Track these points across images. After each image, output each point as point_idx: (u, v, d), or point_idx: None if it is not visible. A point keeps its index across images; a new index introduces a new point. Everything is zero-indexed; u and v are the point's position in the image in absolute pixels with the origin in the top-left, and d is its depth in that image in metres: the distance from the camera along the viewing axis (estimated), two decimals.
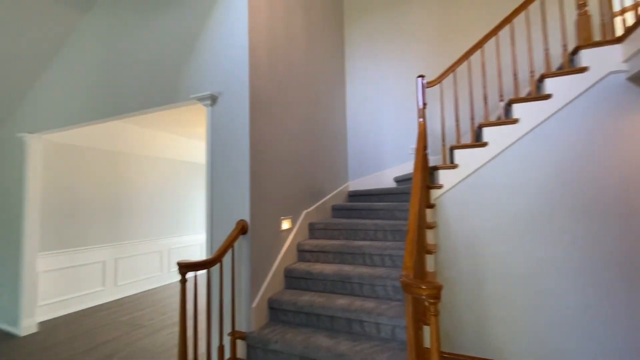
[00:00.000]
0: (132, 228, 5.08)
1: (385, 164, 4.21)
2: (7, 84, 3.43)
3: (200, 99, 2.41)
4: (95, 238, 4.55)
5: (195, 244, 6.26)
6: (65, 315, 4.04)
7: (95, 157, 4.63)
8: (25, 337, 3.44)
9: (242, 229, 2.18)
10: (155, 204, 5.51)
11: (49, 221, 4.01)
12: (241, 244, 2.23)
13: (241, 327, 2.19)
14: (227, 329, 2.20)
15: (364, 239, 2.86)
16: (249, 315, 2.18)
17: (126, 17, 2.99)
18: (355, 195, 3.88)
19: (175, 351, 3.05)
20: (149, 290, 5.18)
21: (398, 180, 3.90)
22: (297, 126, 2.93)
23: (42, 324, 3.74)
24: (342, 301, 2.23)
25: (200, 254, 6.34)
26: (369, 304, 2.15)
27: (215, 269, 2.26)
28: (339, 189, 3.90)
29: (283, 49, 2.78)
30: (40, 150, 3.70)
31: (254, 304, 2.20)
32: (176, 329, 3.58)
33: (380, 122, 4.26)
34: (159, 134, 5.08)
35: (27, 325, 3.51)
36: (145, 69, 2.82)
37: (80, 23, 3.31)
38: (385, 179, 4.22)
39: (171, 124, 4.56)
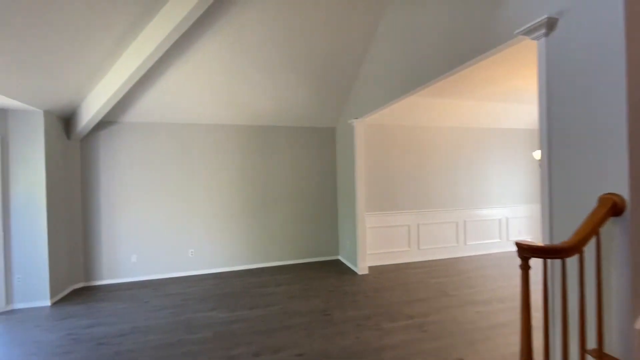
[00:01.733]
0: (430, 197, 5.32)
1: None
2: (339, 85, 4.45)
3: (529, 32, 1.82)
4: (401, 204, 5.16)
5: (492, 219, 5.66)
6: (383, 266, 4.92)
7: (398, 132, 5.18)
8: (361, 275, 4.48)
9: (613, 207, 1.43)
10: (450, 175, 5.45)
11: (370, 187, 4.97)
12: (611, 230, 1.49)
13: (610, 348, 1.49)
14: (589, 343, 1.58)
15: None
16: (628, 338, 1.43)
17: None
18: None
19: (490, 333, 2.77)
20: (447, 258, 5.27)
21: None
22: None
23: (370, 268, 4.74)
24: None
25: (499, 232, 5.69)
26: None
27: (572, 260, 1.66)
28: None
29: None
30: (362, 132, 4.58)
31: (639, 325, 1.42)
32: (486, 308, 3.30)
33: None
34: (452, 102, 4.86)
35: (361, 267, 4.56)
36: (445, 26, 2.57)
37: (380, 21, 3.62)
38: None
39: (467, 87, 4.18)
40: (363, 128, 4.58)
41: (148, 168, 4.61)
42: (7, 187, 3.59)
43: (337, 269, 4.81)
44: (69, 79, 3.38)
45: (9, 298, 3.58)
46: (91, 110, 3.89)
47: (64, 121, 4.15)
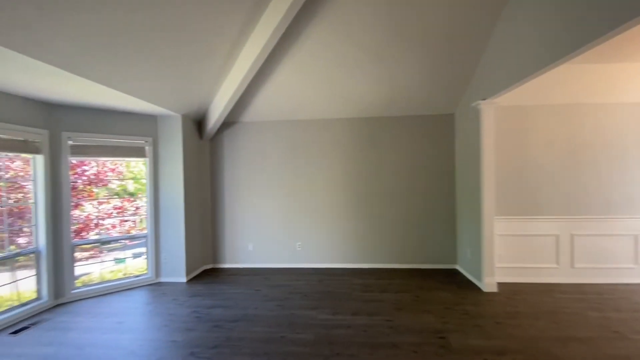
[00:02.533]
0: (591, 199, 3.98)
1: None
2: (461, 60, 3.70)
3: None
4: (546, 207, 4.01)
5: None
6: (519, 284, 3.91)
7: (541, 115, 4.04)
8: (487, 293, 3.66)
9: None
10: (622, 170, 3.95)
11: (501, 186, 4.02)
12: None
13: None
14: None
15: None
16: None
17: None
18: None
19: None
20: (618, 284, 3.85)
21: None
22: None
23: (500, 285, 3.83)
24: None
25: None
26: None
27: None
28: None
29: None
30: (491, 116, 3.72)
31: None
32: None
33: None
34: (627, 67, 3.47)
35: (488, 283, 3.73)
36: None
37: None
38: None
39: None
40: (492, 111, 3.72)
41: (262, 164, 4.90)
42: (157, 181, 4.34)
43: (454, 281, 4.10)
44: (197, 86, 3.79)
45: (158, 272, 4.34)
46: (216, 112, 4.33)
47: (197, 123, 4.77)
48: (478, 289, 3.78)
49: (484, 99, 3.62)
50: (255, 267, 4.89)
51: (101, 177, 5.70)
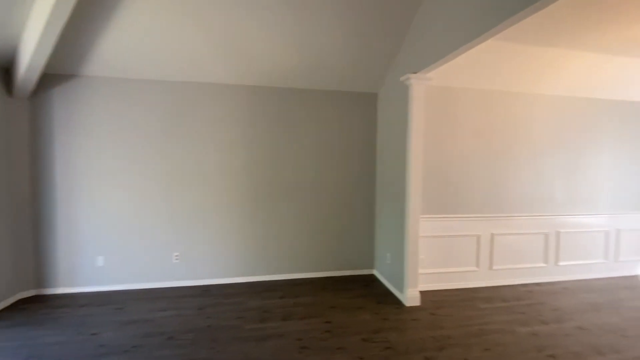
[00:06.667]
0: (512, 197, 3.72)
1: None
2: (389, 32, 2.90)
3: None
4: (469, 206, 3.60)
5: (595, 230, 3.96)
6: (440, 292, 3.43)
7: (469, 100, 3.57)
8: (409, 308, 3.04)
9: None
10: (543, 166, 3.80)
11: (428, 178, 3.45)
12: None
13: None
14: None
15: None
16: None
17: None
18: None
19: None
20: (529, 284, 3.71)
21: None
22: None
23: (422, 294, 3.26)
24: None
25: (605, 250, 3.99)
26: None
27: None
28: None
29: None
30: (422, 95, 3.02)
31: None
32: None
33: None
34: (565, 54, 3.15)
35: (411, 296, 3.11)
36: None
37: None
38: None
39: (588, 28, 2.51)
40: (423, 89, 3.03)
41: (122, 140, 3.38)
42: None
43: (373, 293, 3.41)
44: None
45: None
46: (27, 54, 2.68)
47: (2, 71, 2.99)
48: (399, 303, 3.14)
49: (414, 72, 2.89)
50: (106, 290, 3.41)
51: None
